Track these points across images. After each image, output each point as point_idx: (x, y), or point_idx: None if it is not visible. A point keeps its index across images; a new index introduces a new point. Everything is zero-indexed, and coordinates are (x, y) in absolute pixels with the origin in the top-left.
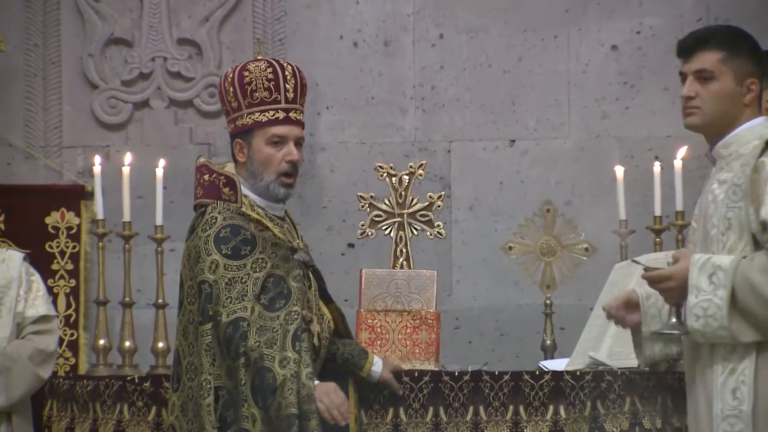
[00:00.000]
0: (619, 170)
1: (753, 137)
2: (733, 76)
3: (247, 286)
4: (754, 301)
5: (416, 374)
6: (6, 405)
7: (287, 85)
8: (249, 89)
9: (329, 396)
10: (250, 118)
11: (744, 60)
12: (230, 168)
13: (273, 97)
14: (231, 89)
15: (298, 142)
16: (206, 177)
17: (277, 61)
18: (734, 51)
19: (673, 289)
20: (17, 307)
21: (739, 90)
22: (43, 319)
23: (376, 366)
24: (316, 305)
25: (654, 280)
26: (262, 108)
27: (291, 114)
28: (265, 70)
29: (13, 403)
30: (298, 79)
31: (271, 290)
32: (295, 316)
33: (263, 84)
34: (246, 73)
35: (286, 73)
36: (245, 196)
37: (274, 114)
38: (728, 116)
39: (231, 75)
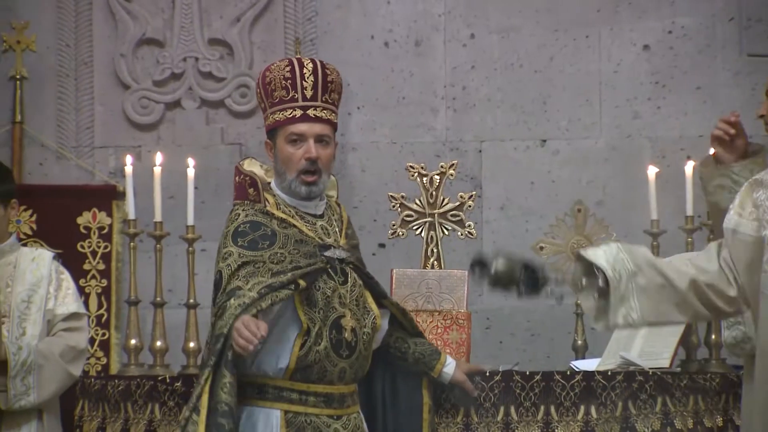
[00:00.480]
0: (651, 170)
1: None
2: None
3: (258, 270)
4: None
5: None
6: (37, 403)
7: (305, 83)
8: (269, 89)
9: (243, 321)
10: (272, 117)
11: None
12: None
13: (290, 95)
14: (258, 90)
15: (321, 140)
16: (237, 179)
17: (299, 59)
18: None
19: None
20: (47, 304)
21: None
22: (74, 316)
23: (448, 367)
24: (354, 301)
25: None
26: (281, 107)
27: (309, 111)
28: (284, 69)
29: (44, 401)
30: (320, 76)
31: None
32: (283, 278)
33: (281, 83)
34: (267, 74)
35: (305, 70)
36: (273, 196)
37: (292, 112)
38: None
39: (259, 76)
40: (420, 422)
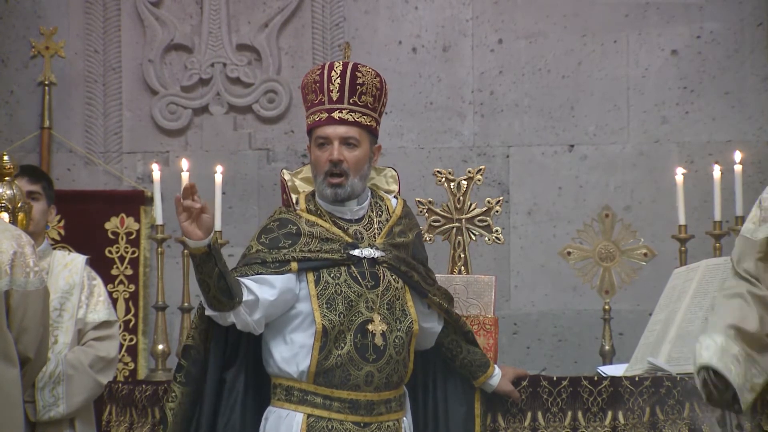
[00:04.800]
0: (679, 175)
1: None
2: None
3: (261, 264)
4: None
5: None
6: (66, 413)
7: (331, 86)
8: (304, 93)
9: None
10: (306, 122)
11: None
12: (307, 171)
13: (318, 98)
14: (300, 96)
15: (347, 142)
16: (281, 185)
17: (328, 64)
18: None
19: None
20: (78, 312)
21: None
22: (104, 324)
23: (493, 379)
24: (386, 305)
25: None
26: (312, 110)
27: (334, 114)
28: (315, 73)
29: (73, 411)
30: (347, 79)
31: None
32: (275, 263)
33: (311, 87)
34: (304, 78)
35: (332, 73)
36: (308, 201)
37: (319, 115)
38: None
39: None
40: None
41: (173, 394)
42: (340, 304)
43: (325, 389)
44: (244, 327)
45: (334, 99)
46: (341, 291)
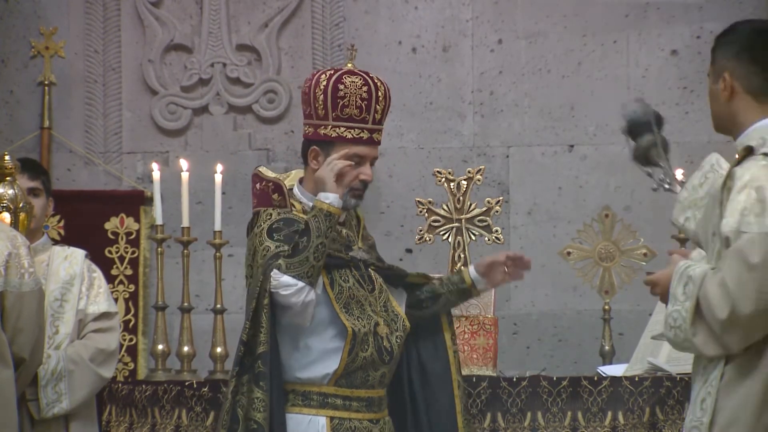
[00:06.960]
0: (679, 175)
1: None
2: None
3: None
4: (708, 315)
5: (474, 380)
6: (70, 409)
7: (377, 106)
8: (341, 103)
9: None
10: (334, 131)
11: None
12: (294, 176)
13: (362, 116)
14: (321, 97)
15: (374, 162)
16: (258, 186)
17: (372, 80)
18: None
19: (661, 296)
20: (79, 304)
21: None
22: (104, 316)
23: (471, 271)
24: (382, 308)
25: (647, 284)
26: (350, 124)
27: (374, 135)
28: (361, 87)
29: (77, 406)
30: (388, 101)
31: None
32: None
33: (356, 101)
34: (341, 86)
35: (379, 93)
36: (299, 202)
37: (360, 133)
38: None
39: (324, 83)
40: (455, 422)
41: (263, 404)
42: (355, 308)
43: (345, 390)
44: (311, 312)
45: (377, 120)
46: (353, 294)
